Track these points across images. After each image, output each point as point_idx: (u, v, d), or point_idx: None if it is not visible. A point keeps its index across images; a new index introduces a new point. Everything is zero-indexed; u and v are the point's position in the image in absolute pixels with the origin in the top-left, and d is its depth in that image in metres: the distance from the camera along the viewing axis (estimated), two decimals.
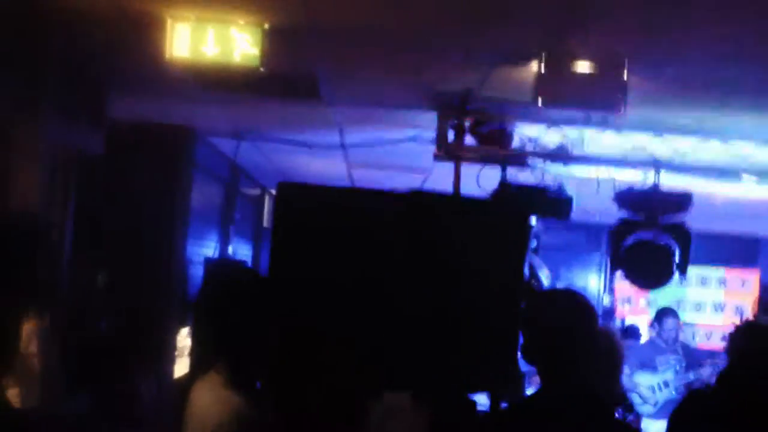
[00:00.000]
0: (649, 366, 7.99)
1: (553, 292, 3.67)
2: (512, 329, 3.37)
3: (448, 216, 3.77)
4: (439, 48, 4.05)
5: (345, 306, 3.47)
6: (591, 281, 11.70)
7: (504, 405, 3.48)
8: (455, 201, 4.54)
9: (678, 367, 7.99)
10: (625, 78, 4.12)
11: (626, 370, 8.07)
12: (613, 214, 5.59)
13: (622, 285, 9.19)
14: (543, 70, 4.10)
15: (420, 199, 3.88)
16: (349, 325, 3.46)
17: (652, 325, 8.63)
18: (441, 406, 3.51)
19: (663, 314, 8.31)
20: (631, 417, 7.91)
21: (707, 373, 7.92)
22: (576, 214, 5.56)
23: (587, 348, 2.70)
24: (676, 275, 5.35)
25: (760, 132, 5.18)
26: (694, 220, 5.48)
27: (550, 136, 5.27)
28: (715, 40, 3.58)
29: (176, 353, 6.29)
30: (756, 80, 4.18)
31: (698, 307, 11.06)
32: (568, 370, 2.64)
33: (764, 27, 3.38)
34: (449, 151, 5.19)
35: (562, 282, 11.69)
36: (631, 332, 10.18)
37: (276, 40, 3.63)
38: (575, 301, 2.74)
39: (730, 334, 3.55)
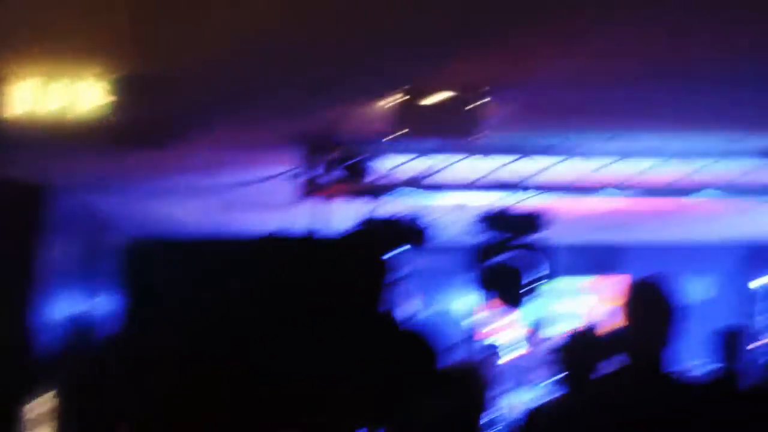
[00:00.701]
0: (523, 380, 8.29)
1: None
2: (385, 362, 3.41)
3: (306, 256, 3.78)
4: (301, 87, 4.06)
5: (212, 363, 3.43)
6: (458, 302, 11.88)
7: None
8: (313, 240, 4.54)
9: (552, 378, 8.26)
10: (482, 105, 4.25)
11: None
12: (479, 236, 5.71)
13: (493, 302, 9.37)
14: (402, 103, 4.19)
15: (277, 243, 3.88)
16: (215, 376, 3.43)
17: (525, 339, 8.94)
18: None
19: (535, 327, 8.63)
20: None
21: None
22: (451, 234, 5.68)
23: None
24: (538, 291, 5.53)
25: (616, 147, 5.42)
26: (560, 235, 5.65)
27: (412, 167, 5.36)
28: (563, 67, 3.73)
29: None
30: (605, 101, 4.38)
31: (569, 317, 11.42)
32: None
33: (606, 54, 3.56)
34: (315, 188, 5.20)
35: (436, 306, 11.89)
36: (500, 351, 10.37)
37: (129, 90, 3.56)
38: None
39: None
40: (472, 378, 3.57)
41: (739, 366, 10.66)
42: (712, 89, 4.26)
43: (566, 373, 3.86)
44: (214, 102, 4.33)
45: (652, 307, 3.11)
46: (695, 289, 11.91)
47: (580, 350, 3.87)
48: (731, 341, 11.19)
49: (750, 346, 10.63)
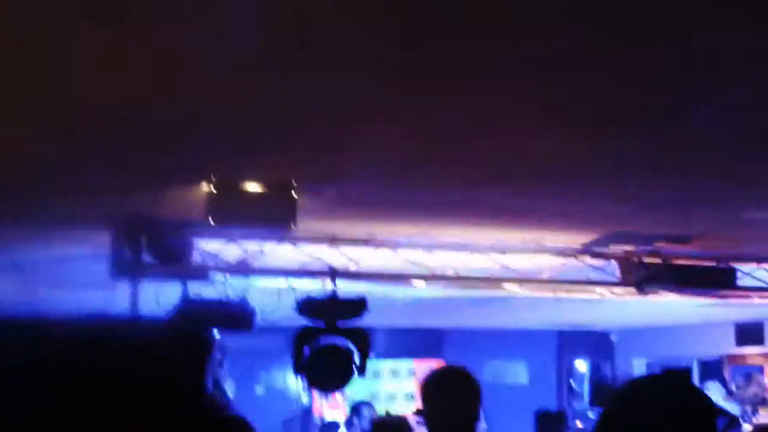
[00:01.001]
0: None
1: None
2: None
3: (121, 340, 3.65)
4: (106, 170, 3.98)
5: None
6: (290, 382, 11.80)
7: None
8: (129, 322, 4.42)
9: None
10: (294, 196, 4.29)
11: None
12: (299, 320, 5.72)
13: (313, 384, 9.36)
14: (213, 191, 4.17)
15: (89, 324, 3.74)
16: None
17: (349, 420, 8.96)
18: None
19: (359, 407, 8.65)
20: None
21: None
22: (271, 318, 5.65)
23: None
24: (356, 376, 5.55)
25: (427, 240, 5.60)
26: (380, 318, 5.75)
27: (230, 251, 5.32)
28: (365, 165, 3.84)
29: None
30: (409, 196, 4.53)
31: (391, 397, 11.54)
32: None
33: (401, 146, 3.70)
34: (126, 269, 5.06)
35: (261, 385, 11.72)
36: (330, 428, 10.39)
37: None
38: None
39: None
40: None
41: None
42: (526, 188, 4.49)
43: None
44: (20, 179, 4.18)
45: (447, 392, 3.20)
46: (513, 373, 12.35)
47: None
48: (548, 423, 11.60)
49: (566, 426, 11.07)
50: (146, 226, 4.96)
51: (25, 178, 4.10)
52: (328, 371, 5.40)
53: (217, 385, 5.06)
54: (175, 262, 5.17)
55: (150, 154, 3.74)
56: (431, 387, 3.22)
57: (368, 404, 8.98)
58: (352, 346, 5.42)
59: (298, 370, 5.46)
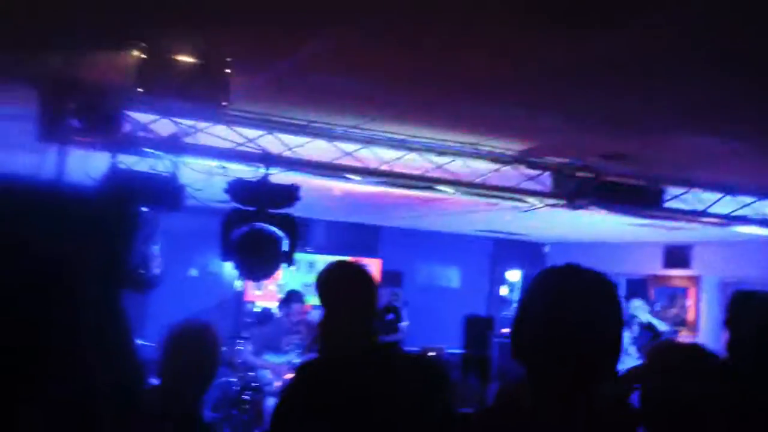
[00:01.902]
0: (274, 347, 8.35)
1: None
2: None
3: (42, 202, 3.60)
4: (35, 22, 3.82)
5: None
6: (226, 267, 11.83)
7: None
8: (52, 186, 4.35)
9: (302, 348, 8.45)
10: (228, 72, 4.19)
11: (250, 349, 8.43)
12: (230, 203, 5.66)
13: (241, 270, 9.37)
14: (143, 57, 4.05)
15: (7, 185, 3.67)
16: None
17: (279, 307, 9.02)
18: None
19: (289, 298, 8.70)
20: (255, 396, 8.23)
21: None
22: (201, 198, 5.59)
23: None
24: (285, 265, 5.54)
25: (364, 134, 5.56)
26: (318, 212, 5.72)
27: (162, 125, 5.22)
28: (310, 45, 3.75)
29: None
30: (347, 87, 4.46)
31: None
32: None
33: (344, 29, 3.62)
34: (51, 133, 4.94)
35: (195, 268, 11.76)
36: (265, 316, 10.51)
37: None
38: None
39: None
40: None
41: (484, 351, 11.29)
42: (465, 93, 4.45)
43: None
44: None
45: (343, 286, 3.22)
46: (446, 277, 12.56)
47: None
48: (476, 327, 11.84)
49: (494, 333, 11.34)
50: (75, 88, 4.81)
51: None
52: (256, 257, 5.38)
53: (144, 260, 5.03)
54: (105, 130, 5.06)
55: (81, 11, 3.60)
56: (328, 281, 3.20)
57: (298, 294, 9.04)
58: (281, 234, 5.39)
59: (225, 255, 5.43)
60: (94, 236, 3.71)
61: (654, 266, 10.64)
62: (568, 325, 1.90)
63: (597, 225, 8.94)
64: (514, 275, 12.93)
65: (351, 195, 8.13)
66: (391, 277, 11.59)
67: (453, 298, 12.06)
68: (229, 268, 11.72)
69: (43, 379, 3.24)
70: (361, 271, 3.11)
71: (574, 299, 1.95)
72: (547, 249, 12.80)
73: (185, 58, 4.12)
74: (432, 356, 8.71)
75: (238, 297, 11.66)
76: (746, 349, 3.62)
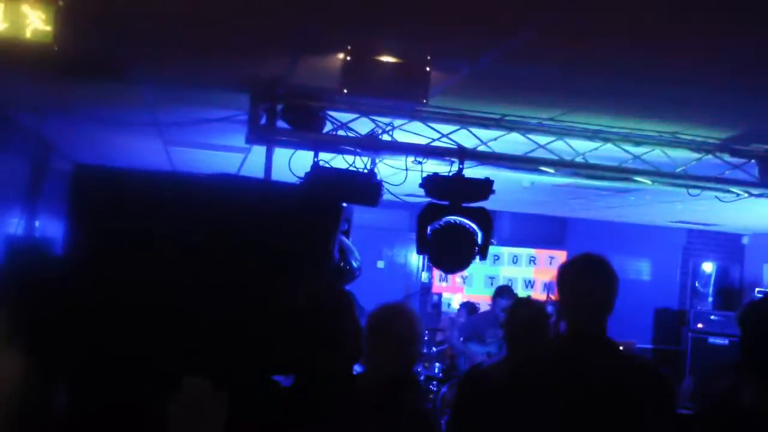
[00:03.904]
0: (478, 338, 8.53)
1: None
2: (317, 312, 3.49)
3: (254, 200, 3.82)
4: (250, 33, 4.05)
5: (143, 292, 3.47)
6: (412, 259, 12.07)
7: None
8: (263, 185, 4.59)
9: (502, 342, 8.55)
10: (428, 71, 4.28)
11: (460, 337, 8.71)
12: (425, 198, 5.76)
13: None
14: (348, 60, 4.20)
15: (226, 184, 3.92)
16: (149, 311, 3.48)
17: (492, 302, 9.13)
18: (241, 389, 3.57)
19: (500, 293, 8.72)
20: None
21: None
22: (396, 193, 5.74)
23: None
24: (477, 258, 5.57)
25: (558, 125, 5.51)
26: (504, 204, 5.74)
27: (361, 124, 5.40)
28: (511, 38, 3.77)
29: None
30: (548, 77, 4.43)
31: (510, 283, 11.64)
32: None
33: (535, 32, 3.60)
34: (261, 135, 5.22)
35: (383, 260, 12.04)
36: (473, 307, 10.58)
37: (73, 20, 3.53)
38: None
39: None
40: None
41: (676, 346, 10.93)
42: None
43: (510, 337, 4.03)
44: (167, 40, 4.32)
45: (585, 278, 3.24)
46: (636, 269, 12.20)
47: (522, 318, 4.04)
48: (667, 321, 11.45)
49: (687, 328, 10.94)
50: (283, 92, 5.06)
51: (168, 37, 4.22)
52: (451, 251, 5.44)
53: (344, 253, 5.22)
54: (309, 130, 5.29)
55: (292, 20, 3.78)
56: (570, 273, 3.24)
57: (509, 290, 8.99)
58: (475, 227, 5.43)
59: (420, 248, 5.53)
60: (302, 231, 3.90)
61: None
62: None
63: None
64: (708, 267, 12.39)
65: (539, 187, 8.07)
66: None
67: (643, 291, 11.70)
68: (415, 260, 12.06)
69: (270, 366, 3.43)
70: (604, 264, 3.14)
71: None
72: (745, 240, 12.18)
73: (387, 59, 4.24)
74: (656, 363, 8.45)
75: (425, 288, 11.86)
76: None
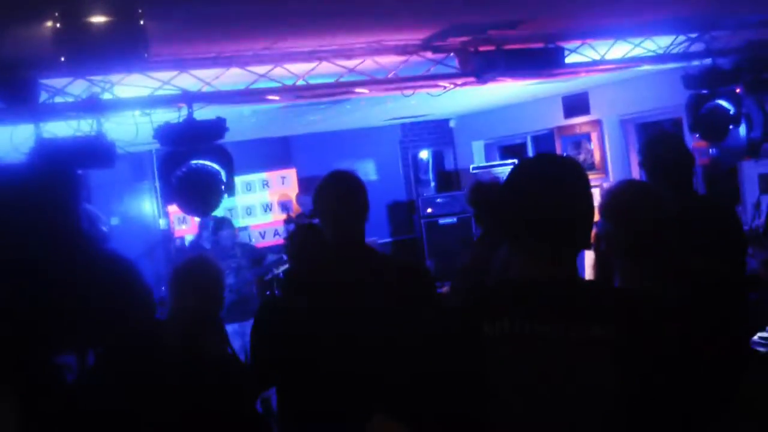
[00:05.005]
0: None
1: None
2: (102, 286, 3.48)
3: None
4: None
5: None
6: (145, 208, 11.85)
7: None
8: None
9: (238, 270, 8.77)
10: (142, 23, 4.25)
11: None
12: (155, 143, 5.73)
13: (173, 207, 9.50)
14: (59, 27, 4.07)
15: None
16: None
17: (207, 236, 9.30)
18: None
19: (218, 225, 8.94)
20: None
21: (272, 260, 8.95)
22: (130, 149, 5.65)
23: None
24: (226, 196, 5.71)
25: (274, 53, 5.67)
26: (229, 135, 5.83)
27: (77, 85, 5.24)
28: None
29: None
30: (255, 10, 4.56)
31: (249, 211, 11.83)
32: None
33: None
34: None
35: (117, 216, 11.72)
36: (196, 247, 10.61)
37: None
38: None
39: None
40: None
41: (412, 234, 11.56)
42: None
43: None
44: None
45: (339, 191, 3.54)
46: (363, 171, 12.83)
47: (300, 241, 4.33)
48: (400, 213, 12.08)
49: (419, 215, 11.66)
50: None
51: None
52: (199, 194, 5.52)
53: (91, 220, 5.12)
54: (23, 102, 5.05)
55: None
56: (324, 189, 3.54)
57: (227, 220, 9.29)
58: (217, 167, 5.53)
59: (168, 198, 5.55)
60: (41, 207, 3.84)
61: (557, 119, 11.11)
62: (543, 200, 2.18)
63: (497, 92, 9.29)
64: (425, 155, 13.29)
65: (259, 112, 8.23)
66: (310, 182, 11.79)
67: (373, 191, 12.32)
68: (148, 209, 11.85)
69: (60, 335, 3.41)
70: (352, 176, 3.45)
71: (545, 179, 2.22)
72: (452, 123, 13.16)
73: (99, 17, 4.15)
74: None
75: (167, 235, 11.73)
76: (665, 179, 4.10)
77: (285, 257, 7.02)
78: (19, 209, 3.68)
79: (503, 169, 11.32)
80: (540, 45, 6.25)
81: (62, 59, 4.16)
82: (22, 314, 3.52)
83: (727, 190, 9.00)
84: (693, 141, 8.32)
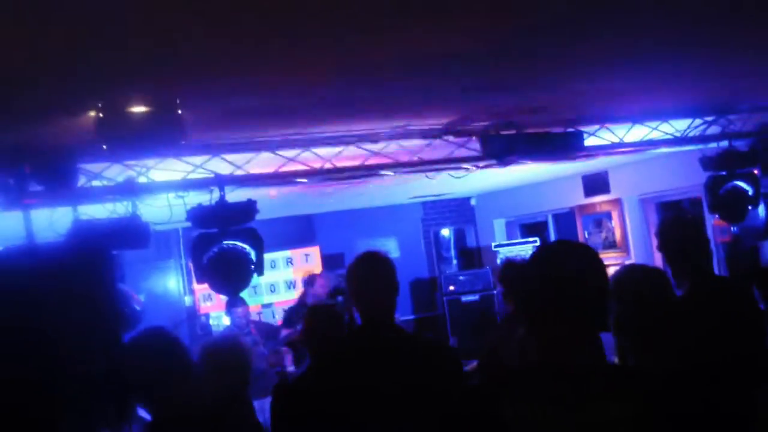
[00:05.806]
0: None
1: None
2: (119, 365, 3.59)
3: (24, 268, 3.85)
4: None
5: None
6: (171, 286, 12.01)
7: None
8: (29, 252, 4.53)
9: (254, 346, 8.85)
10: (179, 113, 4.46)
11: None
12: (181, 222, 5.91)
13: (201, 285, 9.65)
14: (101, 116, 4.28)
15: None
16: None
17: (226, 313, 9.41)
18: None
19: (231, 303, 9.01)
20: None
21: (285, 335, 9.08)
22: (164, 229, 5.81)
23: None
24: (255, 275, 5.85)
25: (302, 138, 5.88)
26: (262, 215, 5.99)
27: (115, 170, 5.44)
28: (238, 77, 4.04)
29: None
30: (288, 105, 4.77)
31: (272, 288, 11.96)
32: None
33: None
34: (13, 201, 5.12)
35: (143, 293, 11.86)
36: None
37: None
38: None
39: None
40: None
41: (434, 311, 11.59)
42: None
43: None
44: None
45: (371, 271, 3.68)
46: (384, 248, 12.97)
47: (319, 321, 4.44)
48: (423, 290, 12.10)
49: (441, 292, 11.69)
50: (30, 154, 4.99)
51: None
52: (229, 275, 5.66)
53: (125, 299, 5.28)
54: (63, 186, 5.25)
55: (33, 86, 3.78)
56: (357, 268, 3.66)
57: (240, 299, 9.33)
58: (247, 247, 5.69)
59: (200, 278, 5.69)
60: (78, 285, 3.98)
61: (577, 197, 11.25)
62: (562, 287, 2.31)
63: (517, 171, 9.45)
64: (446, 232, 13.44)
65: (284, 193, 8.43)
66: (333, 259, 11.93)
67: (396, 268, 12.46)
68: (174, 286, 12.00)
69: None
70: (383, 257, 3.58)
71: (561, 262, 2.36)
72: (473, 202, 13.33)
73: (139, 108, 4.36)
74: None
75: (191, 312, 11.85)
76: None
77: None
78: (57, 288, 3.84)
79: (525, 247, 11.42)
80: (560, 129, 6.43)
81: (104, 147, 4.36)
82: (60, 390, 3.66)
83: (749, 268, 9.04)
84: (713, 220, 8.43)
